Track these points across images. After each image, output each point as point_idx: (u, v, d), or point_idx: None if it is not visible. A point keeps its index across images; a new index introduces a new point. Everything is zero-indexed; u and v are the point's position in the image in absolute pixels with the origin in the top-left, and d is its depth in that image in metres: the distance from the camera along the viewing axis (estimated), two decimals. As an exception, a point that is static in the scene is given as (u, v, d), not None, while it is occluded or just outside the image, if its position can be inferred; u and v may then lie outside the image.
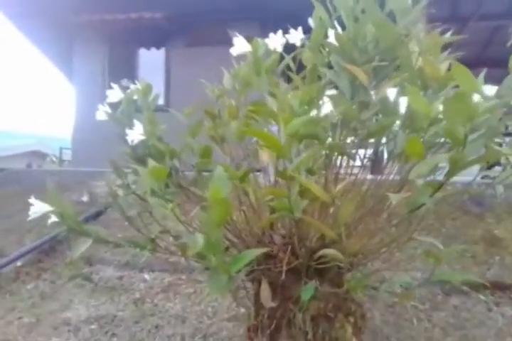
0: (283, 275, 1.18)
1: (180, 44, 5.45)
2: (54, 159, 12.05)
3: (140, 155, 1.29)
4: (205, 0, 4.93)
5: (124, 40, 5.50)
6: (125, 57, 5.75)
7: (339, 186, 0.68)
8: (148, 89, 1.22)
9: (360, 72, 0.79)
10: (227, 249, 1.33)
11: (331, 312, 1.32)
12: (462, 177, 1.01)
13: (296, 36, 1.19)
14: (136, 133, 1.18)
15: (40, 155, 13.22)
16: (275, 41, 1.10)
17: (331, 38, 0.96)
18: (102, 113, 1.24)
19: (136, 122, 1.20)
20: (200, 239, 0.90)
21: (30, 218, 1.05)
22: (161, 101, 5.67)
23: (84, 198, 3.64)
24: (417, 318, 1.80)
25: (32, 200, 1.06)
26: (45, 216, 1.11)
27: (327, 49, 1.04)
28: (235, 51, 1.12)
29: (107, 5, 4.99)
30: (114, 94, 1.25)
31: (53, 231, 3.01)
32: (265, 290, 1.22)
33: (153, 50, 5.76)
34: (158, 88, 5.77)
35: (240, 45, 1.09)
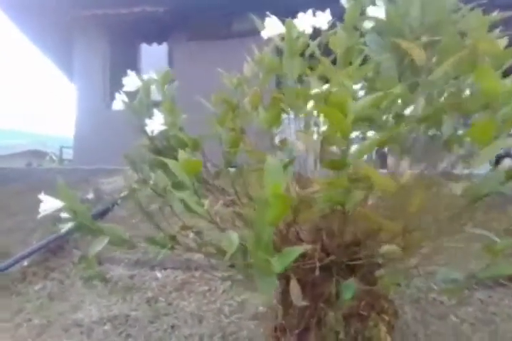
0: (316, 272, 1.11)
1: (183, 38, 5.34)
2: (54, 158, 11.93)
3: (159, 147, 1.21)
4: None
5: (126, 34, 5.39)
6: (127, 53, 5.64)
7: (406, 176, 0.61)
8: (167, 77, 1.14)
9: (415, 48, 0.71)
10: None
11: (363, 310, 1.25)
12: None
13: (322, 19, 1.11)
14: (156, 124, 1.10)
15: (40, 154, 13.10)
16: (304, 22, 1.02)
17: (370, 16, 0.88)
18: (118, 102, 1.16)
19: (156, 112, 1.13)
20: (235, 238, 0.83)
21: (40, 215, 0.98)
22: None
23: (90, 196, 3.56)
24: (444, 314, 1.73)
25: (42, 196, 0.98)
26: (52, 214, 1.04)
27: (361, 30, 0.96)
28: (266, 33, 1.03)
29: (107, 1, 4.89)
30: (131, 82, 1.17)
31: (60, 230, 2.93)
32: (295, 288, 1.15)
33: (155, 45, 5.66)
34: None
35: (271, 26, 1.01)
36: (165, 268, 2.41)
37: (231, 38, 5.11)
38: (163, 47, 5.57)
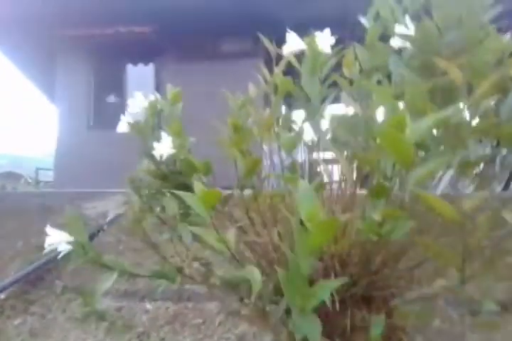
0: (336, 306, 1.04)
1: (171, 59, 5.36)
2: (29, 180, 11.51)
3: (165, 172, 1.14)
4: (196, 14, 4.89)
5: (111, 55, 5.36)
6: (112, 73, 5.59)
7: (469, 203, 0.57)
8: (177, 97, 1.09)
9: (453, 68, 0.68)
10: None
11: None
12: None
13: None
14: (164, 147, 1.04)
15: (15, 177, 12.63)
16: (323, 41, 1.00)
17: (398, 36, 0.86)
18: (123, 124, 1.10)
19: (163, 134, 1.06)
20: (258, 275, 0.76)
21: (46, 250, 0.88)
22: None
23: (73, 221, 3.39)
24: (453, 342, 1.67)
25: (48, 229, 0.89)
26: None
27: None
28: (287, 49, 1.00)
29: (93, 19, 4.88)
30: (136, 103, 1.11)
31: (40, 259, 2.75)
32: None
33: (141, 65, 5.65)
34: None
35: (293, 42, 0.98)
36: (155, 300, 2.27)
37: (219, 59, 5.16)
38: (150, 68, 5.56)
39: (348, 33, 1.00)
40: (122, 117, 1.10)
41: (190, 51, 5.27)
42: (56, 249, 0.92)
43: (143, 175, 1.16)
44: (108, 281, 0.91)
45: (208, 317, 2.05)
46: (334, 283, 0.65)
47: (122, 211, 4.01)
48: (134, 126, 1.08)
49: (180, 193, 0.77)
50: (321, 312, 1.12)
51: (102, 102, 5.67)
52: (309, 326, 0.63)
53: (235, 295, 1.18)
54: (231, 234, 0.74)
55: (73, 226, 0.92)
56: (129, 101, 1.12)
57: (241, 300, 1.20)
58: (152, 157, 1.10)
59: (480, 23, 0.80)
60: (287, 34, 1.00)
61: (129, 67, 5.66)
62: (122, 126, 1.11)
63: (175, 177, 1.14)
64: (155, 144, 1.04)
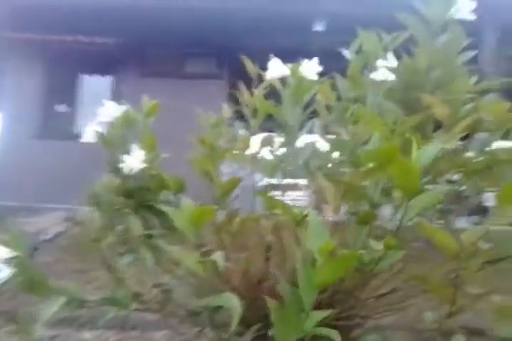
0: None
1: (131, 73, 5.24)
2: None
3: (130, 187, 1.07)
4: (162, 31, 4.87)
5: (67, 63, 5.13)
6: (65, 82, 5.34)
7: (469, 235, 0.57)
8: (153, 110, 1.04)
9: (438, 104, 0.71)
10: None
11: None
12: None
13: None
14: (135, 161, 0.97)
15: None
16: (310, 69, 1.01)
17: (380, 71, 0.89)
18: (91, 133, 1.02)
19: (134, 147, 1.00)
20: (236, 302, 0.71)
21: None
22: (103, 131, 5.28)
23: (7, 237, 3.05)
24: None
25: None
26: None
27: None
28: (270, 74, 1.00)
29: (52, 24, 4.68)
30: (108, 112, 1.04)
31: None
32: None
33: (98, 77, 5.46)
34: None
35: (276, 68, 0.98)
36: (95, 328, 2.06)
37: (182, 78, 5.13)
38: (107, 81, 5.38)
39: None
40: (90, 126, 1.02)
41: (152, 67, 5.20)
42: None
43: (103, 190, 1.07)
44: (52, 308, 0.80)
45: (154, 346, 1.90)
46: (321, 314, 0.62)
47: (63, 228, 3.72)
48: (103, 136, 1.01)
49: (168, 209, 0.71)
50: None
51: (50, 111, 5.35)
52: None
53: (194, 324, 1.10)
54: (218, 256, 0.68)
55: (15, 243, 0.81)
56: (100, 110, 1.04)
57: (201, 330, 1.12)
58: (118, 171, 1.03)
59: (455, 65, 0.85)
60: (270, 60, 1.01)
61: (85, 77, 5.45)
62: (89, 136, 1.03)
63: (140, 193, 1.07)
64: (125, 157, 0.98)
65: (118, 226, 1.01)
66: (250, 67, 1.25)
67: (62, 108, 5.43)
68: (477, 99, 0.89)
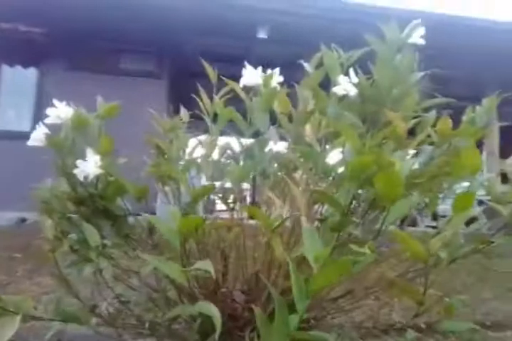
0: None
1: (60, 67, 4.85)
2: None
3: (82, 195, 1.01)
4: (97, 24, 4.59)
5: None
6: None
7: (435, 240, 0.63)
8: (111, 111, 0.99)
9: (399, 119, 0.79)
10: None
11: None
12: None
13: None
14: (91, 166, 0.92)
15: None
16: (273, 78, 1.05)
17: (342, 85, 0.95)
18: (38, 136, 0.95)
19: (89, 151, 0.95)
20: (216, 311, 0.71)
21: None
22: (26, 128, 4.84)
23: None
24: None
25: None
26: None
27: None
28: (244, 82, 1.01)
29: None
30: (57, 113, 0.98)
31: None
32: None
33: (19, 68, 4.98)
34: (25, 112, 4.94)
35: (250, 76, 1.00)
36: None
37: (117, 74, 4.89)
38: (31, 73, 4.94)
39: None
40: (38, 128, 0.95)
41: (84, 61, 4.88)
42: None
43: (53, 196, 1.01)
44: (12, 327, 0.73)
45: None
46: (296, 319, 0.64)
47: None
48: (53, 139, 0.94)
49: (153, 218, 0.69)
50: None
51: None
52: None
53: (153, 336, 1.07)
54: (207, 264, 0.67)
55: None
56: (48, 111, 0.97)
57: (161, 339, 1.09)
58: (70, 176, 0.97)
59: (409, 83, 0.94)
60: (245, 68, 1.02)
61: (5, 68, 4.93)
62: (35, 139, 0.95)
63: (94, 200, 1.02)
64: (79, 162, 0.92)
65: (71, 235, 0.95)
66: (209, 71, 1.25)
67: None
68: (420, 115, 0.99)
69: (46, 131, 0.97)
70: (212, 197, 1.37)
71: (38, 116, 4.69)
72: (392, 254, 0.89)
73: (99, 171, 0.93)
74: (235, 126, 1.23)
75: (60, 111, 0.98)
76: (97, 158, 0.94)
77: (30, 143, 0.95)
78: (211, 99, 1.18)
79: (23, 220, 2.93)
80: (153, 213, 1.16)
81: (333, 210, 0.67)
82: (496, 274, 3.13)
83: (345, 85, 0.92)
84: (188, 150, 1.25)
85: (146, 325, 1.02)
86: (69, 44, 4.83)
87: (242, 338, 1.08)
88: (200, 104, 1.22)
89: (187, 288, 1.17)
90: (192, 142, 1.34)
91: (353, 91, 0.91)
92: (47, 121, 0.98)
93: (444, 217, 1.12)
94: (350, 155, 0.68)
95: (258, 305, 1.09)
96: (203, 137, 1.37)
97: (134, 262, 1.11)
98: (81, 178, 0.92)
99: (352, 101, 0.92)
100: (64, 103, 0.99)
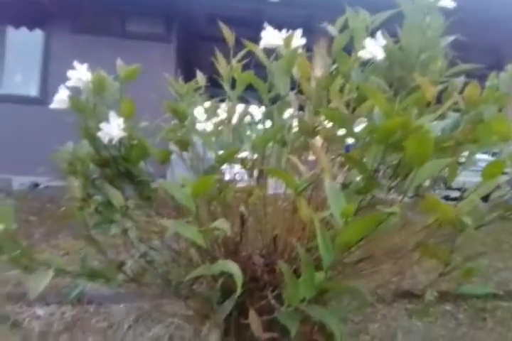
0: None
1: (67, 28, 4.78)
2: None
3: (106, 158, 1.05)
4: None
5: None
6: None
7: (462, 205, 0.66)
8: (132, 75, 1.01)
9: (428, 84, 0.79)
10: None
11: (316, 335, 1.28)
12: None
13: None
14: (115, 129, 0.95)
15: None
16: (294, 39, 1.04)
17: (369, 48, 0.95)
18: (61, 98, 0.97)
19: (112, 114, 0.98)
20: (237, 269, 0.76)
21: None
22: (33, 92, 4.85)
23: None
24: (356, 330, 1.89)
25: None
26: None
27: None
28: (264, 43, 1.01)
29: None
30: (78, 75, 1.00)
31: None
32: (254, 319, 1.12)
33: (25, 30, 4.91)
34: (31, 76, 4.93)
35: (270, 37, 0.99)
36: (47, 304, 2.03)
37: (125, 37, 4.81)
38: (38, 35, 4.87)
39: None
40: (61, 90, 0.97)
41: (91, 23, 4.79)
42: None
43: (75, 159, 1.05)
44: (44, 281, 0.80)
45: (114, 320, 1.93)
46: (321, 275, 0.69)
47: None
48: (76, 101, 0.97)
49: (164, 183, 0.73)
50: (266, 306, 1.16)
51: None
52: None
53: (175, 294, 1.15)
54: (223, 223, 0.72)
55: (5, 215, 0.79)
56: (69, 73, 0.99)
57: (185, 299, 1.17)
58: (93, 139, 1.01)
59: (436, 49, 0.93)
60: (264, 29, 1.02)
61: (11, 32, 4.88)
62: (58, 101, 0.98)
63: (117, 163, 1.06)
64: (103, 125, 0.95)
65: (96, 197, 1.00)
66: (227, 33, 1.24)
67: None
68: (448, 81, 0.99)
69: (68, 93, 0.99)
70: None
71: (45, 80, 4.68)
72: (414, 221, 0.93)
73: (122, 134, 0.96)
74: (252, 93, 1.24)
75: (81, 74, 1.00)
76: (120, 120, 0.97)
77: (53, 105, 0.98)
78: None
79: (36, 185, 3.05)
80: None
81: (359, 174, 0.69)
82: (509, 246, 3.20)
83: (372, 48, 0.91)
84: (206, 116, 1.27)
85: (171, 283, 1.09)
86: (75, 6, 4.73)
87: (262, 298, 1.15)
88: (218, 68, 1.22)
89: (208, 251, 1.24)
90: (210, 107, 1.36)
91: (380, 55, 0.91)
92: (68, 83, 1.00)
93: (458, 189, 1.14)
94: (378, 118, 0.70)
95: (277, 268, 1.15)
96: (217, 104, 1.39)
97: (157, 224, 1.17)
98: (105, 141, 0.96)
99: (378, 66, 0.92)
100: (84, 65, 1.01)
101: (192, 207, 0.72)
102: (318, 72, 1.08)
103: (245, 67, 1.20)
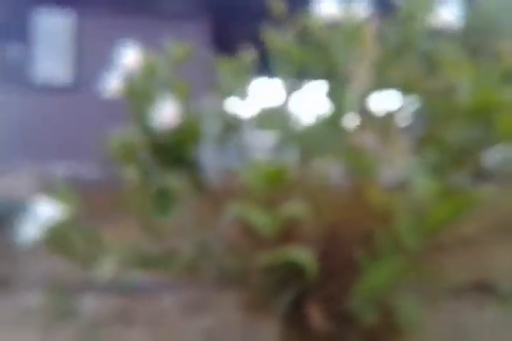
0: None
1: (98, 9, 4.89)
2: None
3: (159, 143, 1.08)
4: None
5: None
6: (16, 18, 4.94)
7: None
8: (183, 56, 1.02)
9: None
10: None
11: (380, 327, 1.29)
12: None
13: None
14: (170, 114, 0.98)
15: None
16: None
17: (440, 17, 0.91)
18: (113, 84, 1.01)
19: (165, 97, 1.00)
20: (310, 255, 0.77)
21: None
22: (66, 79, 5.04)
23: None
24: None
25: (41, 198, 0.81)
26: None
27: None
28: (320, 13, 0.98)
29: None
30: (130, 59, 1.02)
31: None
32: (314, 310, 1.13)
33: (55, 11, 5.07)
34: (61, 61, 5.11)
35: (326, 7, 0.97)
36: (94, 292, 2.15)
37: (158, 17, 4.86)
38: (70, 18, 5.02)
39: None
40: (112, 78, 1.00)
41: (124, 4, 4.87)
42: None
43: (129, 145, 1.09)
44: (109, 265, 0.84)
45: (161, 309, 2.02)
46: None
47: (35, 189, 3.63)
48: (128, 86, 1.00)
49: (239, 168, 0.74)
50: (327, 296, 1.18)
51: (1, 54, 5.00)
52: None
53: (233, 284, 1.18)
54: (297, 206, 0.72)
55: (65, 198, 0.84)
56: (120, 57, 1.02)
57: (249, 288, 1.21)
58: (147, 124, 1.04)
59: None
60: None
61: (43, 12, 5.03)
62: (111, 87, 1.01)
63: (168, 148, 1.09)
64: (157, 109, 0.98)
65: (152, 183, 1.04)
66: (278, 6, 1.22)
67: (13, 49, 5.08)
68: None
69: (119, 78, 1.03)
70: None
71: (79, 66, 4.84)
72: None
73: (177, 118, 0.98)
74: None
75: (132, 58, 1.03)
76: (174, 104, 0.99)
77: (105, 91, 1.02)
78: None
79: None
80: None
81: (439, 152, 0.67)
82: None
83: (446, 15, 0.87)
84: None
85: (226, 272, 1.12)
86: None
87: (320, 288, 1.17)
88: (269, 43, 1.21)
89: (262, 239, 1.26)
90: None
91: (455, 22, 0.87)
92: (120, 68, 1.03)
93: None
94: (462, 92, 0.67)
95: (337, 255, 1.16)
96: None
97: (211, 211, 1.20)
98: (160, 126, 0.99)
99: (452, 34, 0.88)
100: (136, 49, 1.03)
101: (263, 192, 0.73)
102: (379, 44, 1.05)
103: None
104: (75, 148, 4.41)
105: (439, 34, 0.91)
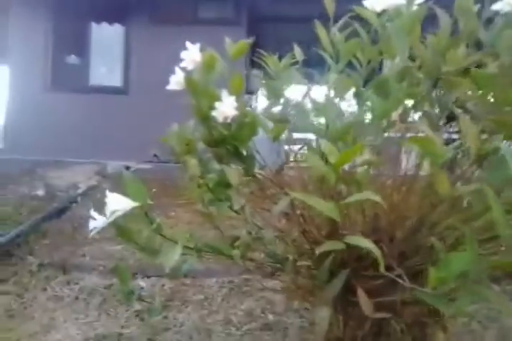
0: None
1: (143, 20, 4.98)
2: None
3: (217, 137, 1.06)
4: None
5: (75, 10, 4.87)
6: (74, 32, 5.11)
7: None
8: (239, 52, 1.00)
9: None
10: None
11: (425, 317, 1.22)
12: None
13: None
14: (229, 108, 0.95)
15: None
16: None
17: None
18: (177, 80, 0.99)
19: (225, 93, 0.97)
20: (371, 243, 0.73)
21: (112, 217, 0.78)
22: (117, 83, 5.16)
23: (40, 192, 3.11)
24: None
25: (111, 195, 0.79)
26: None
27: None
28: (378, 6, 0.92)
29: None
30: (192, 56, 1.00)
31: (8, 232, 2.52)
32: (364, 298, 1.07)
33: (106, 25, 5.20)
34: (114, 69, 5.23)
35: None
36: (148, 276, 2.18)
37: (197, 24, 4.89)
38: (119, 29, 5.14)
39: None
40: (176, 73, 0.99)
41: (165, 14, 4.92)
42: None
43: (181, 139, 1.07)
44: (173, 256, 0.82)
45: (208, 293, 2.02)
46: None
47: (95, 182, 3.78)
48: (191, 82, 0.98)
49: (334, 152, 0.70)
50: (371, 286, 1.13)
51: (61, 63, 5.18)
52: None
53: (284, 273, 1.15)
54: (374, 195, 0.68)
55: (135, 191, 0.82)
56: (183, 55, 1.00)
57: (297, 273, 1.17)
58: (207, 119, 1.01)
59: None
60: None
61: (95, 26, 5.19)
62: (174, 83, 1.00)
63: (226, 142, 1.06)
64: (218, 104, 0.95)
65: (210, 175, 1.02)
66: (328, 2, 1.17)
67: (72, 59, 5.26)
68: None
69: (183, 75, 1.01)
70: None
71: (127, 71, 4.94)
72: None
73: (236, 112, 0.96)
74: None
75: (194, 55, 1.00)
76: (232, 99, 0.96)
77: (169, 87, 1.00)
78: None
79: (127, 168, 3.30)
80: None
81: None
82: None
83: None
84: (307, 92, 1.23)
85: (279, 260, 1.09)
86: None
87: (365, 277, 1.12)
88: (323, 41, 1.16)
89: (311, 230, 1.22)
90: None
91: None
92: (182, 65, 1.01)
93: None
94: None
95: (382, 247, 1.10)
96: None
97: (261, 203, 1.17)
98: (220, 120, 0.96)
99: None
100: (196, 46, 1.01)
101: (332, 179, 0.69)
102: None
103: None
104: (125, 142, 4.51)
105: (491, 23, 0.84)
